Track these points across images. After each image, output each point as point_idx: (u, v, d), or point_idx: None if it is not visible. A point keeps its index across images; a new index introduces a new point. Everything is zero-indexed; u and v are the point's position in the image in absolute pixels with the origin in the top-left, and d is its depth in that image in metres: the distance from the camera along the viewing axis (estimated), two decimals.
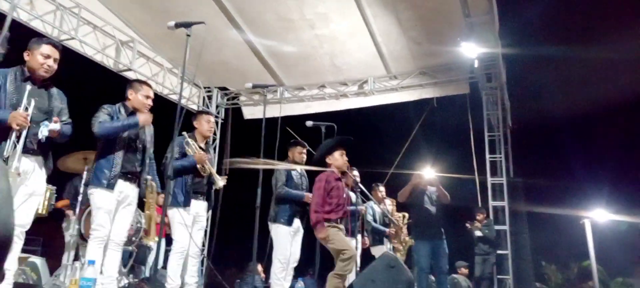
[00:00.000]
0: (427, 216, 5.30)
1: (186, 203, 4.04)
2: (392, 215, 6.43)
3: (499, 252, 7.74)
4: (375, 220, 6.38)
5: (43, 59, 3.30)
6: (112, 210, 3.54)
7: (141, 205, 4.99)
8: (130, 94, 3.78)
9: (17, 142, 3.03)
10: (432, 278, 5.96)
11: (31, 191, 3.19)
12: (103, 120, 3.58)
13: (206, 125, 4.36)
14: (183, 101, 8.68)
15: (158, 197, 4.68)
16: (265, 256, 4.74)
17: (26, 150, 3.12)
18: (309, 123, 5.06)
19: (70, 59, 6.94)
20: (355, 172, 6.09)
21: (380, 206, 6.49)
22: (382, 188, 6.67)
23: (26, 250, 3.95)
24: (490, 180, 8.09)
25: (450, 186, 6.02)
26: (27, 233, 3.26)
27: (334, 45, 7.93)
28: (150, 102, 3.79)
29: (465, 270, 7.91)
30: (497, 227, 7.83)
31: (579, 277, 17.29)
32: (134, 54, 7.72)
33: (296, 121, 7.73)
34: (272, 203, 4.88)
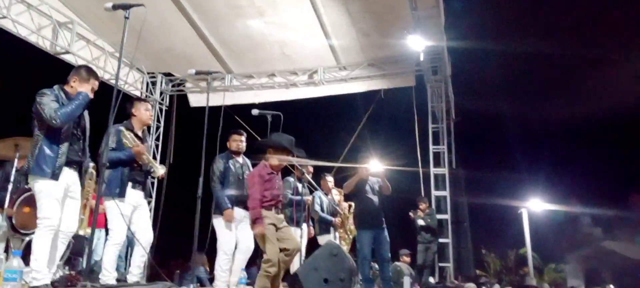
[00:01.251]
0: (369, 205, 5.39)
1: (122, 194, 3.91)
2: (339, 205, 6.51)
3: (441, 240, 8.03)
4: (322, 210, 6.43)
5: None
6: (60, 198, 3.37)
7: None
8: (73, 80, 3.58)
9: None
10: (376, 266, 6.09)
11: None
12: (56, 107, 3.37)
13: (146, 113, 4.21)
14: (125, 87, 8.40)
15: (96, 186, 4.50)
16: (206, 247, 4.68)
17: None
18: (255, 111, 5.00)
19: (1, 39, 6.55)
20: (309, 167, 6.12)
21: (327, 196, 6.55)
22: (330, 179, 6.72)
23: None
24: (433, 170, 8.37)
25: (395, 176, 6.16)
26: None
27: (284, 34, 7.88)
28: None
29: (407, 258, 8.13)
30: (439, 216, 8.11)
31: (516, 263, 18.32)
32: (73, 36, 7.34)
33: (244, 110, 7.65)
34: (216, 195, 4.81)
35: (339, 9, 7.20)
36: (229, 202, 4.70)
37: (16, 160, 4.62)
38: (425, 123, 8.67)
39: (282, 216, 3.97)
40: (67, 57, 7.31)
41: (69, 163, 3.46)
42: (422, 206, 7.94)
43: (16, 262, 2.89)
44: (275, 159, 3.98)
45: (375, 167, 5.56)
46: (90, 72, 3.64)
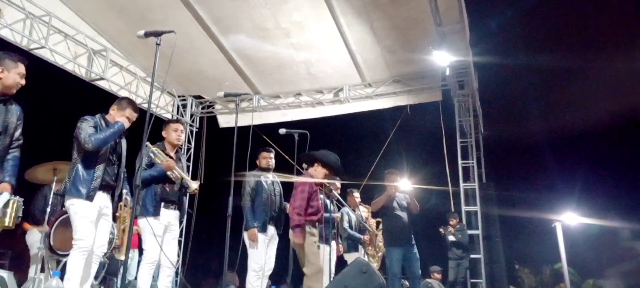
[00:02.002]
0: (397, 222, 5.37)
1: (156, 213, 4.02)
2: (367, 222, 6.49)
3: (472, 256, 7.89)
4: (351, 227, 6.43)
5: (20, 78, 3.29)
6: (94, 220, 3.51)
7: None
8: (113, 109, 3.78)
9: None
10: (406, 283, 6.03)
11: None
12: (91, 132, 3.55)
13: (174, 134, 4.34)
14: (157, 110, 8.65)
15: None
16: (236, 265, 4.73)
17: None
18: (282, 130, 5.07)
19: (41, 68, 6.85)
20: (337, 183, 6.15)
21: (355, 212, 6.54)
22: (357, 194, 6.72)
23: None
24: (462, 185, 8.26)
25: (424, 191, 6.12)
26: None
27: (309, 54, 7.99)
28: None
29: (438, 275, 8.02)
30: (469, 232, 7.98)
31: (551, 279, 17.70)
32: (107, 63, 7.64)
33: (271, 129, 7.76)
34: (245, 212, 4.87)
35: (363, 27, 7.27)
36: (255, 221, 4.75)
37: (54, 183, 4.81)
38: (453, 138, 8.59)
39: (316, 231, 4.01)
40: (102, 83, 7.61)
41: (103, 187, 3.60)
42: (453, 222, 7.84)
43: (55, 282, 3.00)
44: (320, 173, 4.05)
45: (404, 186, 5.55)
46: (130, 103, 3.85)
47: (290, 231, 3.99)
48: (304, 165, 4.48)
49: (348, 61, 8.11)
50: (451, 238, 7.68)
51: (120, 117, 3.76)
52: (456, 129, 8.56)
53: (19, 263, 5.58)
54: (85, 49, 7.38)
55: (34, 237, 5.11)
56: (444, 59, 7.51)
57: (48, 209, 4.66)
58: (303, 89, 9.05)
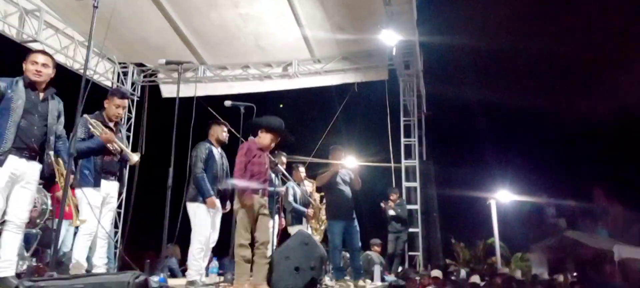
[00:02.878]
0: (340, 196, 5.50)
1: (97, 184, 3.89)
2: (312, 196, 6.59)
3: (411, 230, 8.22)
4: (295, 201, 6.50)
5: None
6: (5, 187, 3.31)
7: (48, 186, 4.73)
8: (24, 63, 3.57)
9: None
10: (347, 255, 6.21)
11: None
12: None
13: (113, 109, 4.16)
14: (96, 77, 8.27)
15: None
16: (175, 237, 4.67)
17: None
18: (228, 103, 4.99)
19: None
20: (283, 158, 6.16)
21: (300, 187, 6.61)
22: (302, 169, 6.79)
23: None
24: (404, 162, 8.55)
25: (367, 167, 6.28)
26: None
27: (258, 26, 7.88)
28: (41, 70, 3.55)
29: (378, 248, 8.29)
30: (409, 207, 8.30)
31: (484, 253, 18.80)
32: (41, 24, 7.17)
33: (217, 101, 7.63)
34: (191, 184, 4.79)
35: (314, 2, 7.25)
36: (211, 190, 4.69)
37: None
38: (397, 116, 8.83)
39: (265, 200, 4.02)
40: (35, 46, 7.12)
41: (18, 149, 3.38)
42: (393, 197, 8.10)
43: None
44: (266, 139, 4.06)
45: (349, 163, 5.67)
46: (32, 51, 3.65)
47: (235, 199, 3.99)
48: (251, 135, 4.46)
49: (298, 36, 8.07)
50: (391, 212, 7.94)
51: (25, 66, 3.54)
52: (400, 108, 8.80)
53: None
54: (17, 7, 6.88)
55: None
56: (391, 38, 7.65)
57: None
58: (251, 62, 8.94)
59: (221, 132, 5.06)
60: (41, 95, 3.59)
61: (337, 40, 8.25)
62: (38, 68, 3.53)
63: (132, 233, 6.15)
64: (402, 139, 8.66)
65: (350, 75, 8.79)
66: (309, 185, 6.58)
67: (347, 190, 5.58)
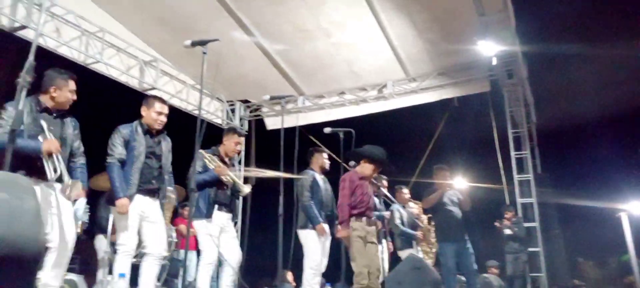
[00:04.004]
0: (449, 217, 5.29)
1: (208, 215, 4.15)
2: (419, 218, 6.41)
3: (531, 249, 7.61)
4: (402, 224, 6.36)
5: (71, 94, 3.50)
6: (135, 224, 3.66)
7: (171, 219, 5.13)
8: (143, 110, 3.95)
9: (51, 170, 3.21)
10: (462, 279, 5.91)
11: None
12: (116, 159, 3.76)
13: (231, 146, 4.45)
14: (207, 116, 8.92)
15: (177, 210, 4.80)
16: (289, 263, 4.79)
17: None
18: (327, 130, 5.09)
19: (97, 81, 7.22)
20: (384, 182, 6.10)
21: (406, 209, 6.48)
22: (406, 191, 6.65)
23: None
24: (517, 177, 7.98)
25: (477, 185, 5.98)
26: None
27: (351, 52, 7.99)
28: (163, 119, 3.93)
29: (495, 270, 7.79)
30: (526, 224, 7.71)
31: (618, 271, 16.77)
32: (158, 73, 7.95)
33: (317, 129, 7.80)
34: (300, 211, 4.91)
35: (404, 21, 7.19)
36: (319, 217, 4.78)
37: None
38: (504, 129, 8.33)
39: (373, 229, 4.00)
40: (154, 93, 7.90)
41: (143, 189, 3.75)
42: (508, 215, 7.62)
43: (122, 283, 3.15)
44: (368, 169, 4.07)
45: (458, 184, 5.45)
46: (156, 99, 4.02)
47: (337, 226, 4.03)
48: (351, 163, 4.50)
49: (390, 57, 8.04)
50: (507, 231, 7.45)
51: (150, 115, 3.89)
52: (507, 120, 8.29)
53: (88, 267, 5.91)
54: (137, 60, 7.71)
55: (101, 242, 5.40)
56: (489, 48, 7.31)
57: (111, 216, 4.90)
58: (346, 88, 9.05)
59: (323, 159, 5.15)
60: (156, 138, 3.95)
61: (431, 56, 8.07)
62: (162, 118, 3.92)
63: (247, 261, 6.43)
64: (513, 153, 8.11)
65: (449, 91, 8.50)
66: (414, 207, 6.42)
67: (456, 210, 5.35)
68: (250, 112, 10.05)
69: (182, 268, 5.73)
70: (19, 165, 3.06)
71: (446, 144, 9.32)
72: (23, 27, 5.93)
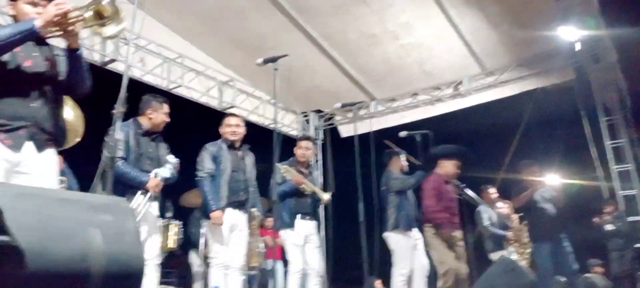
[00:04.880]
0: (542, 216, 4.98)
1: (292, 224, 4.27)
2: (509, 218, 6.10)
3: (637, 246, 6.93)
4: (492, 224, 6.09)
5: (166, 116, 3.81)
6: (227, 237, 3.85)
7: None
8: (221, 129, 4.19)
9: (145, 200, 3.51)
10: (561, 279, 5.53)
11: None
12: (206, 174, 3.99)
13: (300, 151, 4.59)
14: (284, 128, 9.15)
15: (262, 221, 4.96)
16: (376, 270, 4.75)
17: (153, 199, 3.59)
18: (403, 133, 5.02)
19: (178, 104, 7.67)
20: (491, 190, 5.87)
21: (494, 209, 6.20)
22: (492, 190, 6.36)
23: (164, 282, 4.40)
24: (615, 168, 7.32)
25: (569, 179, 5.60)
26: (163, 266, 3.65)
27: (421, 52, 7.84)
28: (238, 130, 4.16)
29: (599, 269, 7.18)
30: (630, 219, 7.03)
31: None
32: (235, 92, 8.30)
33: (392, 133, 7.71)
34: (388, 212, 4.84)
35: (476, 15, 6.94)
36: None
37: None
38: (594, 118, 7.70)
39: (460, 233, 3.91)
40: (232, 111, 8.26)
41: (231, 203, 3.95)
42: (608, 209, 7.02)
43: None
44: (449, 166, 3.99)
45: (551, 181, 5.14)
46: (230, 115, 4.24)
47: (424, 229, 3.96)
48: (431, 168, 4.40)
49: (464, 53, 7.78)
50: (609, 227, 6.86)
51: (226, 131, 4.11)
52: (598, 108, 7.66)
53: (184, 281, 6.25)
54: (215, 81, 8.10)
55: (194, 257, 5.69)
56: (571, 34, 6.85)
57: (201, 230, 5.15)
58: (419, 88, 8.87)
59: (401, 161, 5.09)
60: (240, 153, 4.15)
61: (508, 48, 7.70)
62: (233, 129, 4.14)
63: (334, 270, 6.47)
64: (607, 142, 7.45)
65: (530, 82, 8.04)
66: (503, 207, 6.12)
67: (549, 207, 5.03)
68: (324, 121, 10.16)
69: (271, 279, 5.91)
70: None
71: (532, 139, 8.81)
72: (112, 61, 6.46)
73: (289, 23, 7.16)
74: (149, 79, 7.15)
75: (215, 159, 3.98)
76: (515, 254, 5.88)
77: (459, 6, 6.78)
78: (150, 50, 7.13)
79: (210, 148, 4.05)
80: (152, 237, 3.60)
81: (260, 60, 4.02)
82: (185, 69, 7.57)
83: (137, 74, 6.95)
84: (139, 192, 3.48)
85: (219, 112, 8.05)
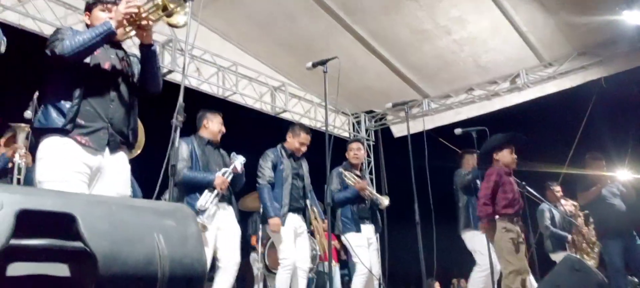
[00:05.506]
0: (611, 212, 4.70)
1: (358, 229, 4.32)
2: (574, 217, 5.80)
3: None
4: (554, 224, 5.82)
5: (220, 125, 3.98)
6: (292, 240, 3.96)
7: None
8: (289, 137, 4.27)
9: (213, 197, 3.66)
10: (635, 280, 5.19)
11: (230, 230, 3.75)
12: (266, 182, 4.08)
13: (352, 153, 4.62)
14: (335, 130, 9.18)
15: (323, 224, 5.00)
16: (434, 272, 4.66)
17: (222, 199, 3.72)
18: (458, 131, 4.89)
19: (233, 111, 7.89)
20: (555, 187, 5.64)
21: (558, 207, 5.92)
22: (556, 188, 6.07)
23: None
24: None
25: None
26: None
27: (475, 46, 7.62)
28: (305, 148, 4.24)
29: None
30: None
31: None
32: (287, 96, 8.44)
33: (446, 130, 7.54)
34: (459, 211, 4.78)
35: (531, 4, 6.66)
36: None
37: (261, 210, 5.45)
38: None
39: (517, 227, 3.77)
40: (285, 115, 8.44)
41: (292, 209, 4.07)
42: None
43: None
44: (505, 156, 3.85)
45: (620, 175, 4.84)
46: (302, 128, 4.29)
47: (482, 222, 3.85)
48: (488, 165, 4.26)
49: (520, 44, 7.48)
50: None
51: (294, 143, 4.20)
52: None
53: (244, 283, 6.42)
54: (268, 87, 8.28)
55: (254, 260, 5.85)
56: (636, 17, 6.42)
57: (259, 233, 5.29)
58: (474, 83, 8.63)
59: (475, 159, 4.98)
60: (299, 161, 4.26)
61: (567, 37, 7.33)
62: (304, 146, 4.25)
63: (391, 273, 6.43)
64: None
65: (594, 71, 7.61)
66: (567, 205, 5.82)
67: (618, 203, 4.75)
68: (376, 121, 10.10)
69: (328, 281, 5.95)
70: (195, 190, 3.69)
71: (597, 131, 8.31)
72: (170, 72, 6.75)
73: (337, 24, 7.20)
74: (205, 88, 7.42)
75: (275, 167, 4.10)
76: (584, 254, 5.57)
77: None
78: (205, 60, 7.39)
79: (271, 156, 4.17)
80: (233, 241, 3.73)
81: (309, 64, 4.07)
82: (238, 77, 7.79)
83: (193, 83, 7.23)
84: (206, 190, 3.64)
85: (272, 117, 8.24)
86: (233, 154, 3.89)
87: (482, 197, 3.80)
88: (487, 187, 3.79)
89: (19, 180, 3.82)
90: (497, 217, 3.72)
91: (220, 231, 3.64)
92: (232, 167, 3.76)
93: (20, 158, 3.87)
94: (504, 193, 3.72)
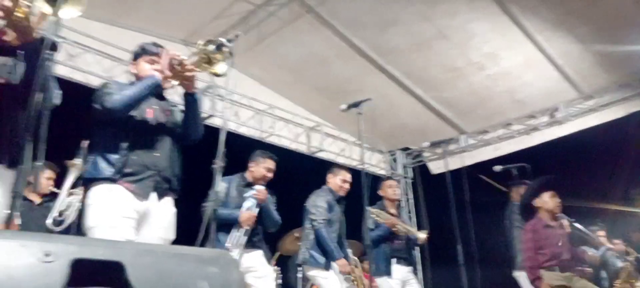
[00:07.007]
0: None
1: (388, 271, 4.24)
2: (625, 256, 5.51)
3: None
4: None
5: (267, 172, 4.02)
6: (339, 283, 3.95)
7: None
8: (330, 177, 4.31)
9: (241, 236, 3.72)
10: None
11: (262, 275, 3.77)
12: (325, 221, 4.10)
13: (389, 190, 4.57)
14: (371, 168, 9.18)
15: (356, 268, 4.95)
16: None
17: (252, 245, 3.75)
18: (498, 168, 4.82)
19: (271, 151, 8.02)
20: (600, 232, 5.41)
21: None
22: (601, 232, 5.80)
23: None
24: None
25: None
26: None
27: (510, 81, 7.56)
28: (347, 186, 4.26)
29: None
30: None
31: None
32: (322, 136, 8.56)
33: (485, 167, 7.39)
34: (515, 249, 4.60)
35: (565, 37, 6.58)
36: None
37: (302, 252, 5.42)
38: None
39: (577, 279, 3.58)
40: (321, 155, 8.53)
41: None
42: None
43: None
44: (548, 202, 3.68)
45: None
46: (341, 168, 4.32)
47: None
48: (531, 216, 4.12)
49: (556, 77, 7.36)
50: None
51: (335, 183, 4.21)
52: None
53: None
54: (303, 128, 8.44)
55: None
56: None
57: (298, 275, 5.26)
58: (512, 118, 8.50)
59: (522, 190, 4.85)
60: (341, 206, 4.28)
61: (605, 68, 7.15)
62: (347, 186, 4.29)
63: None
64: None
65: (636, 103, 7.37)
66: (618, 245, 5.55)
67: None
68: (412, 158, 10.04)
69: None
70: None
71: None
72: (210, 116, 6.99)
73: (370, 65, 7.32)
74: (243, 131, 7.63)
75: (331, 208, 4.10)
76: None
77: (544, 31, 6.50)
78: (242, 104, 7.62)
79: (326, 197, 4.15)
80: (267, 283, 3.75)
81: (344, 106, 4.14)
82: (275, 118, 7.99)
83: (232, 126, 7.44)
84: (233, 229, 3.69)
85: (307, 157, 8.34)
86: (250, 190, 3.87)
87: (526, 259, 3.67)
88: (527, 247, 3.63)
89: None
90: (541, 271, 3.55)
91: (252, 273, 3.65)
92: (250, 198, 3.76)
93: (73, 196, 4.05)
94: (541, 250, 3.55)
